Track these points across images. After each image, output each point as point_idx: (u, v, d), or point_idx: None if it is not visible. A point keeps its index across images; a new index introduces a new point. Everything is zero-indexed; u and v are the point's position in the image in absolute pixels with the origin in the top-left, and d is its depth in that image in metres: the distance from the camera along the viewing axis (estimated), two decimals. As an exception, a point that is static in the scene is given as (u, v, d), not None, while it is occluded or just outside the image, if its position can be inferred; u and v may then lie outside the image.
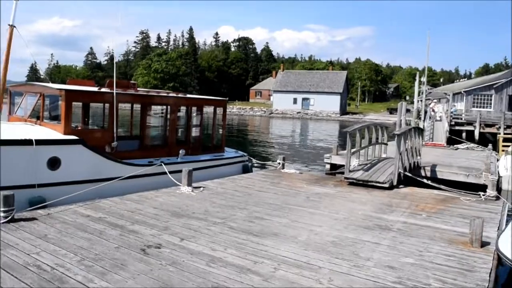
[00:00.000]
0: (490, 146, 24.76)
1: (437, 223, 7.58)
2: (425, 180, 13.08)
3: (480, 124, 37.70)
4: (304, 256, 5.41)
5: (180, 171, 9.35)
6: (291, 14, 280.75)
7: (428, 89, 49.37)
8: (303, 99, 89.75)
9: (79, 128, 10.22)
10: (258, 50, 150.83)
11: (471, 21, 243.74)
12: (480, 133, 37.35)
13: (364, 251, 5.80)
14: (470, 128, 37.85)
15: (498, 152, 22.88)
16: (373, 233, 6.67)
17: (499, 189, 14.03)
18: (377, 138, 14.29)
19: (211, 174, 11.11)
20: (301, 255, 5.44)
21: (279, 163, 12.70)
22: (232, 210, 7.51)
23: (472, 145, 24.97)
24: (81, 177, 8.71)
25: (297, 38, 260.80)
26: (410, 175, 11.92)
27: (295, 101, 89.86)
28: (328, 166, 16.44)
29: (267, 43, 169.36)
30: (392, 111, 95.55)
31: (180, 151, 11.23)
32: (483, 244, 6.35)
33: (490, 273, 5.34)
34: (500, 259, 6.02)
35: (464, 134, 36.05)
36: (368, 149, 13.58)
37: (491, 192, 10.15)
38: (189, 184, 8.83)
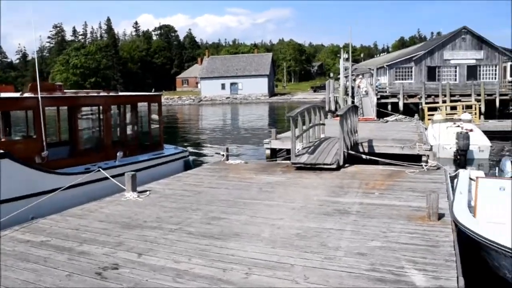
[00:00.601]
0: (416, 116, 26.01)
1: (391, 200, 7.66)
2: (364, 156, 13.40)
3: (404, 96, 39.73)
4: (273, 254, 5.15)
5: (121, 175, 8.72)
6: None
7: (353, 65, 50.89)
8: (231, 84, 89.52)
9: (3, 140, 9.19)
10: (181, 38, 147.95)
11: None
12: (404, 104, 39.37)
13: (331, 240, 5.66)
14: (394, 100, 39.74)
15: (424, 121, 24.04)
16: (334, 219, 6.57)
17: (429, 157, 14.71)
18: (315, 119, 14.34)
19: (153, 175, 10.51)
20: (270, 254, 5.18)
21: (223, 155, 12.34)
22: (186, 213, 7.08)
23: (400, 116, 26.13)
24: (12, 195, 7.83)
25: (219, 23, 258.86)
26: (353, 153, 12.09)
27: (223, 86, 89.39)
28: (268, 152, 16.32)
29: (189, 29, 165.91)
30: (316, 89, 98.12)
31: (118, 154, 10.51)
32: (439, 217, 6.47)
33: (454, 246, 5.42)
34: (458, 229, 6.17)
35: (389, 106, 37.77)
36: (309, 131, 13.59)
37: (432, 162, 10.50)
38: (134, 189, 8.23)
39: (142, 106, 12.37)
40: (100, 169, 9.37)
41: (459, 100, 36.01)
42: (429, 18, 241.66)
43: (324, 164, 10.74)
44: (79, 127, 10.52)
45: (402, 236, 5.76)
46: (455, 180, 9.60)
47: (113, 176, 9.12)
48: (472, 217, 6.40)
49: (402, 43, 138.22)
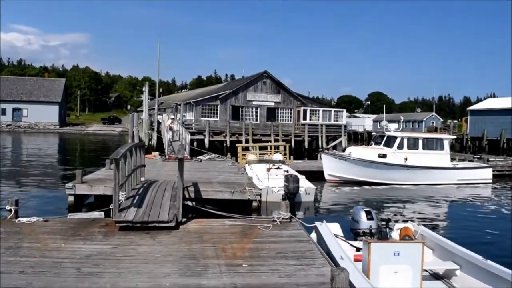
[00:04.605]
0: (229, 155, 25.44)
1: (270, 277, 5.83)
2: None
3: (210, 133, 39.63)
4: None
5: None
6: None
7: (149, 99, 49.26)
8: (14, 109, 78.39)
9: None
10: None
11: (186, 34, 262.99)
12: (210, 141, 39.25)
13: None
14: (200, 137, 39.32)
15: (238, 161, 23.49)
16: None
17: (259, 202, 13.66)
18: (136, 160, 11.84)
19: None
20: None
21: (11, 210, 8.70)
22: None
23: (213, 155, 25.10)
24: None
25: (2, 40, 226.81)
26: (191, 204, 10.02)
27: (3, 112, 77.55)
28: (71, 199, 12.98)
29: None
30: (106, 121, 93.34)
31: None
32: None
33: None
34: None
35: (195, 143, 37.02)
36: (132, 175, 10.99)
37: (284, 213, 9.09)
38: None
39: None
40: None
41: (261, 140, 37.63)
42: (224, 61, 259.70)
43: (160, 222, 8.32)
44: None
45: None
46: (312, 235, 8.41)
47: None
48: None
49: (200, 82, 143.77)
